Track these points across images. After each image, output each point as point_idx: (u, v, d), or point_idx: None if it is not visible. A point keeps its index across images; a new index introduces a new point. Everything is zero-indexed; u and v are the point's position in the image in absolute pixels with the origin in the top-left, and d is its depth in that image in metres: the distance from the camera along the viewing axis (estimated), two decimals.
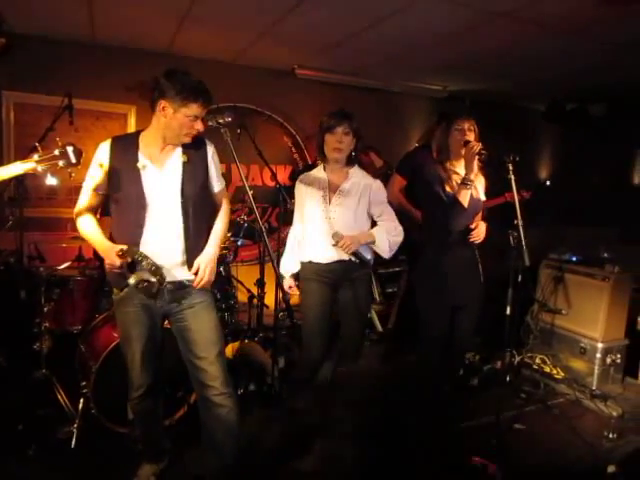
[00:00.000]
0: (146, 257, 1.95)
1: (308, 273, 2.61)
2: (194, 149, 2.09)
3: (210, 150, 2.13)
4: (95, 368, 2.57)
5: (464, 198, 2.69)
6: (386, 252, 2.58)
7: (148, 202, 2.00)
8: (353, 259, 2.53)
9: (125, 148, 2.03)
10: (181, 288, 2.09)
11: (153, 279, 1.94)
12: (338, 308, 2.68)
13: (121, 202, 2.02)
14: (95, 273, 3.15)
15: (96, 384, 2.58)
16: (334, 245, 2.45)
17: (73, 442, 2.53)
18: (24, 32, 3.95)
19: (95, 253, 3.45)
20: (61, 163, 1.75)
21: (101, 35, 4.06)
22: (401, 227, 2.64)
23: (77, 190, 3.87)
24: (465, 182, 2.68)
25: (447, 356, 3.02)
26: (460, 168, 2.81)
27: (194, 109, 1.92)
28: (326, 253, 2.54)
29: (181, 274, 2.07)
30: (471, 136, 2.72)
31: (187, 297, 2.10)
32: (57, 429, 2.62)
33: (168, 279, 2.03)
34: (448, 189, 2.76)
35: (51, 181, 1.97)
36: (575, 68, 4.46)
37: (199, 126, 1.97)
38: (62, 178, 3.92)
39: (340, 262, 2.55)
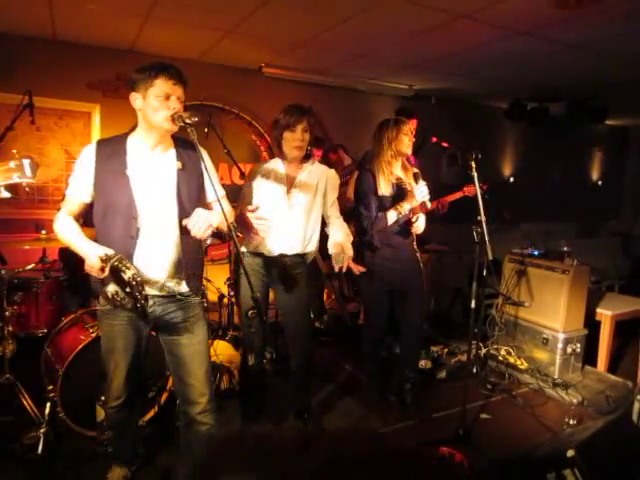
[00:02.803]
0: (129, 268, 1.76)
1: (248, 265, 2.58)
2: (188, 155, 1.99)
3: (203, 155, 1.94)
4: (62, 371, 2.53)
5: (391, 219, 2.87)
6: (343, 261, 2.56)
7: (139, 211, 1.88)
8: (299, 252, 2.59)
9: (112, 152, 1.90)
10: (174, 301, 2.01)
11: (129, 295, 1.77)
12: (278, 307, 2.70)
13: (108, 211, 1.89)
14: (60, 275, 3.09)
15: (63, 387, 2.53)
16: (339, 270, 2.47)
17: (40, 447, 2.46)
18: None
19: (60, 255, 3.38)
20: (16, 176, 1.62)
21: (62, 32, 3.97)
22: (345, 224, 2.71)
23: (39, 191, 3.78)
24: (399, 210, 2.84)
25: (401, 339, 3.21)
26: (396, 168, 2.97)
27: (160, 86, 1.80)
28: (277, 245, 2.56)
29: (174, 287, 1.99)
30: (411, 137, 2.91)
31: (179, 311, 2.03)
32: (22, 435, 2.55)
33: (160, 293, 1.97)
34: (380, 191, 2.91)
35: (4, 194, 1.82)
36: (535, 68, 4.60)
37: (175, 105, 1.83)
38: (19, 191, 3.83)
39: (289, 255, 2.57)
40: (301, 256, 2.64)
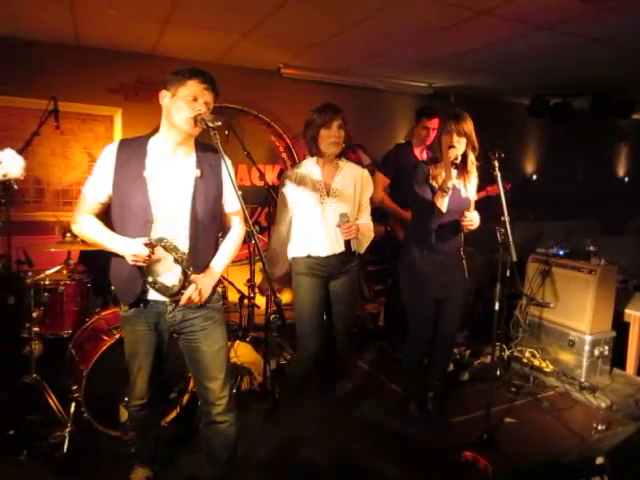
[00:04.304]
0: (176, 246, 1.83)
1: (302, 268, 2.63)
2: (209, 163, 1.98)
3: (226, 165, 1.95)
4: (86, 372, 2.56)
5: (441, 203, 2.68)
6: (363, 247, 2.71)
7: (154, 215, 1.88)
8: (344, 249, 2.54)
9: (132, 154, 1.91)
10: (193, 307, 1.99)
11: (174, 278, 1.84)
12: (330, 298, 2.72)
13: (125, 213, 1.90)
14: (84, 277, 3.13)
15: (87, 388, 2.56)
16: (338, 226, 2.46)
17: (65, 446, 2.50)
18: (6, 34, 3.92)
19: (81, 259, 3.41)
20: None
21: (85, 37, 4.03)
22: (372, 224, 2.75)
23: (65, 193, 3.84)
24: (442, 188, 2.67)
25: (434, 350, 3.06)
26: (448, 169, 2.79)
27: (191, 87, 1.82)
28: (326, 246, 2.59)
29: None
30: (461, 140, 2.65)
31: (199, 317, 2.02)
32: (48, 434, 2.59)
33: (178, 298, 1.95)
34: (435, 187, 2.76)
35: None
36: (557, 63, 4.50)
37: (201, 107, 1.84)
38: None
39: (336, 255, 2.60)
40: (348, 254, 2.62)
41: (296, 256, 2.65)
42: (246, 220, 1.92)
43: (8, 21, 3.66)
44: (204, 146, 2.02)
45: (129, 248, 1.82)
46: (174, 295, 1.91)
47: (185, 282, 1.86)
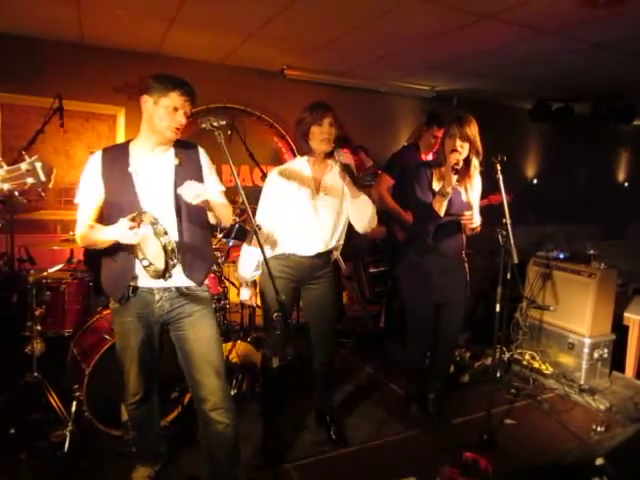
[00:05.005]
0: (157, 221, 1.81)
1: (272, 269, 2.51)
2: (186, 153, 2.08)
3: (202, 154, 2.12)
4: (88, 371, 2.56)
5: (439, 207, 2.67)
6: (364, 223, 2.57)
7: (142, 207, 1.95)
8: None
9: (116, 156, 2.01)
10: (179, 295, 2.04)
11: (165, 252, 1.78)
12: (304, 306, 2.71)
13: (115, 209, 1.97)
14: (86, 276, 3.14)
15: (89, 387, 2.56)
16: (338, 160, 2.41)
17: (66, 445, 2.51)
18: (11, 32, 3.93)
19: (84, 258, 3.42)
20: (29, 181, 1.48)
21: (90, 36, 4.04)
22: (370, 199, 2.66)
23: (67, 191, 3.86)
24: (441, 192, 2.66)
25: (436, 353, 3.07)
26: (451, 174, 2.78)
27: (173, 98, 1.90)
28: (307, 245, 2.55)
29: (178, 280, 2.01)
30: (465, 145, 2.63)
31: (187, 305, 2.06)
32: (50, 432, 2.59)
33: (166, 285, 1.98)
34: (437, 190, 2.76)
35: (20, 199, 1.68)
36: (560, 68, 4.52)
37: (181, 118, 1.94)
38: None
39: (311, 257, 2.56)
40: (328, 256, 2.64)
41: (272, 255, 2.57)
42: (248, 220, 1.95)
43: (13, 19, 3.68)
44: (180, 141, 2.10)
45: (117, 228, 1.81)
46: (162, 276, 1.87)
47: (169, 258, 1.80)
